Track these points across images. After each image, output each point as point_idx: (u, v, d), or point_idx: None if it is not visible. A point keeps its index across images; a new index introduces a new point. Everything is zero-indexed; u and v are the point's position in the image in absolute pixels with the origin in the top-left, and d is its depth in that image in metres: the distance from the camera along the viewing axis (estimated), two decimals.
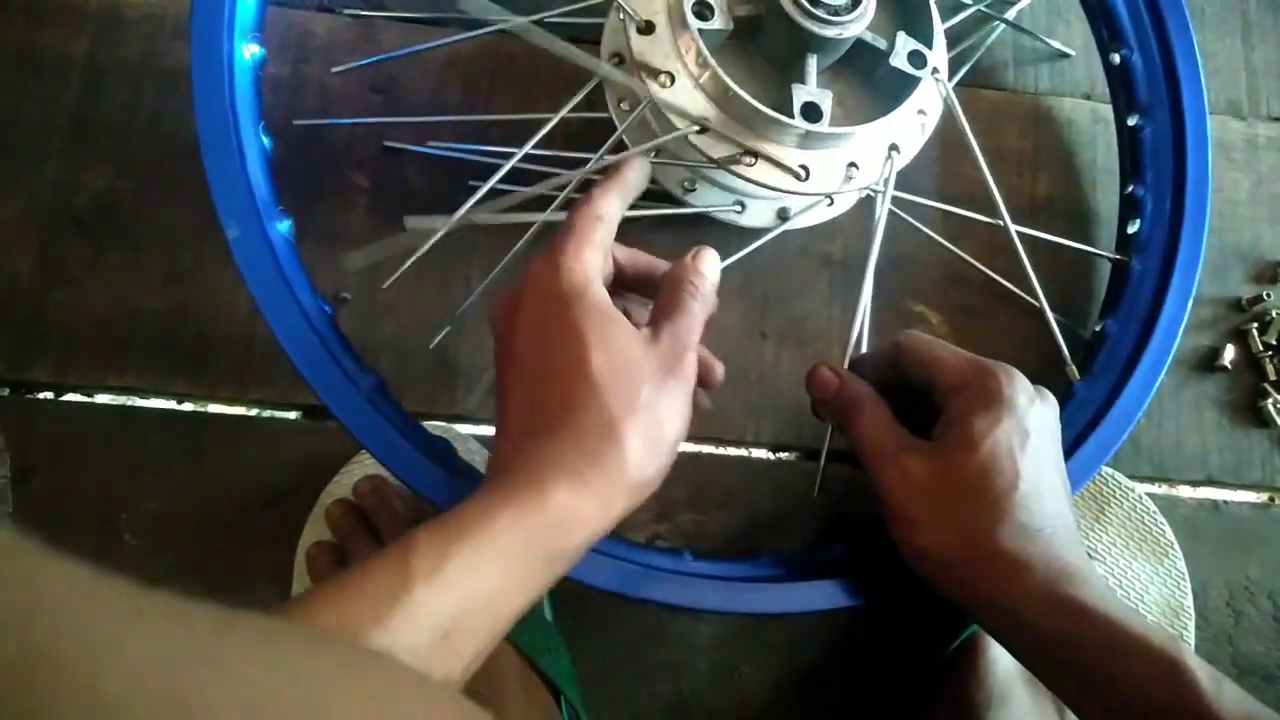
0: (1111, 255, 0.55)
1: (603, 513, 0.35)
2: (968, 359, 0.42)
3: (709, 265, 0.41)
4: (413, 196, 0.58)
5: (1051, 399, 0.42)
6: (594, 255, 0.38)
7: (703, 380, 0.42)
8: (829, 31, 0.44)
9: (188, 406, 0.56)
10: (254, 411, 0.56)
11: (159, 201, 0.57)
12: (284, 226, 0.46)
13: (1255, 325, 0.60)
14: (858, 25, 0.44)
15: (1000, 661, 0.50)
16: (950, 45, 0.59)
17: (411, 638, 0.29)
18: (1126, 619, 0.36)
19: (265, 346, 0.55)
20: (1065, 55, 0.64)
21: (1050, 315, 0.52)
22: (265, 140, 0.47)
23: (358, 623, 0.29)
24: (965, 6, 0.57)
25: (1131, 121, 0.56)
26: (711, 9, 0.45)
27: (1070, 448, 0.49)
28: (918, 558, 0.41)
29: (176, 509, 0.53)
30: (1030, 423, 0.40)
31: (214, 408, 0.56)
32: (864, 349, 0.49)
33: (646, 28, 0.45)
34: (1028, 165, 0.63)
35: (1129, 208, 0.56)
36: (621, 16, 0.46)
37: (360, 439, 0.44)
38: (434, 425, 0.54)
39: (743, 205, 0.55)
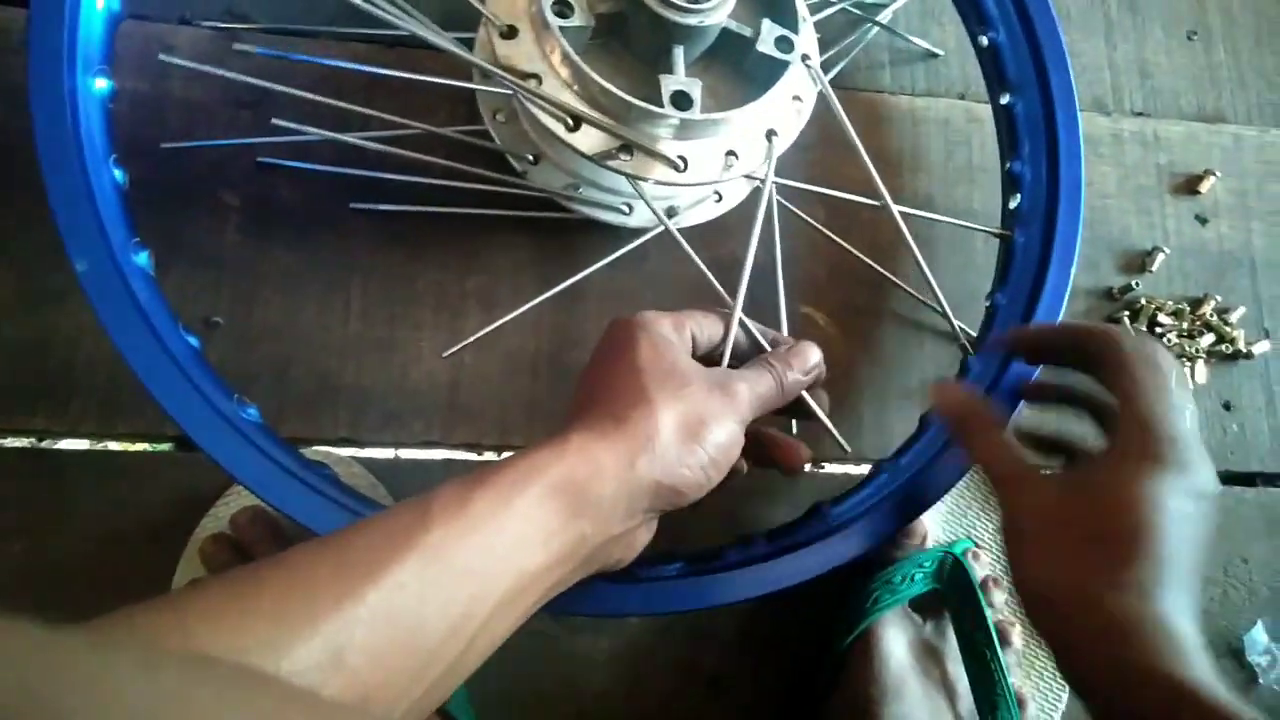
0: (994, 230, 0.56)
1: (620, 468, 0.34)
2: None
3: (801, 358, 0.43)
4: (287, 214, 0.56)
5: (1218, 488, 0.37)
6: (674, 321, 0.41)
7: (786, 458, 0.44)
8: (691, 20, 0.44)
9: (48, 444, 0.53)
10: (123, 446, 0.53)
11: (15, 224, 0.54)
12: (141, 258, 0.44)
13: (1127, 313, 0.63)
14: (719, 13, 0.45)
15: (893, 655, 0.50)
16: (826, 47, 0.60)
17: (428, 579, 0.29)
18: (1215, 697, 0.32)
19: (130, 379, 0.53)
20: (935, 55, 0.66)
21: (937, 291, 0.52)
22: (118, 173, 0.44)
23: (376, 557, 0.29)
24: (835, 4, 0.58)
25: (1004, 100, 0.57)
26: (571, 7, 0.45)
27: None
28: (1033, 598, 0.37)
29: (44, 551, 0.50)
30: (1196, 487, 0.36)
31: (80, 443, 0.53)
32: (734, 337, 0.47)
33: (509, 32, 0.45)
34: (907, 166, 0.64)
35: (1009, 184, 0.57)
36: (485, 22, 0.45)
37: (230, 470, 0.42)
38: (316, 450, 0.52)
39: (629, 206, 0.55)
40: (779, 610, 0.56)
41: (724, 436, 0.37)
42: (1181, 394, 0.38)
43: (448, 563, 0.30)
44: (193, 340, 0.44)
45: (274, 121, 0.49)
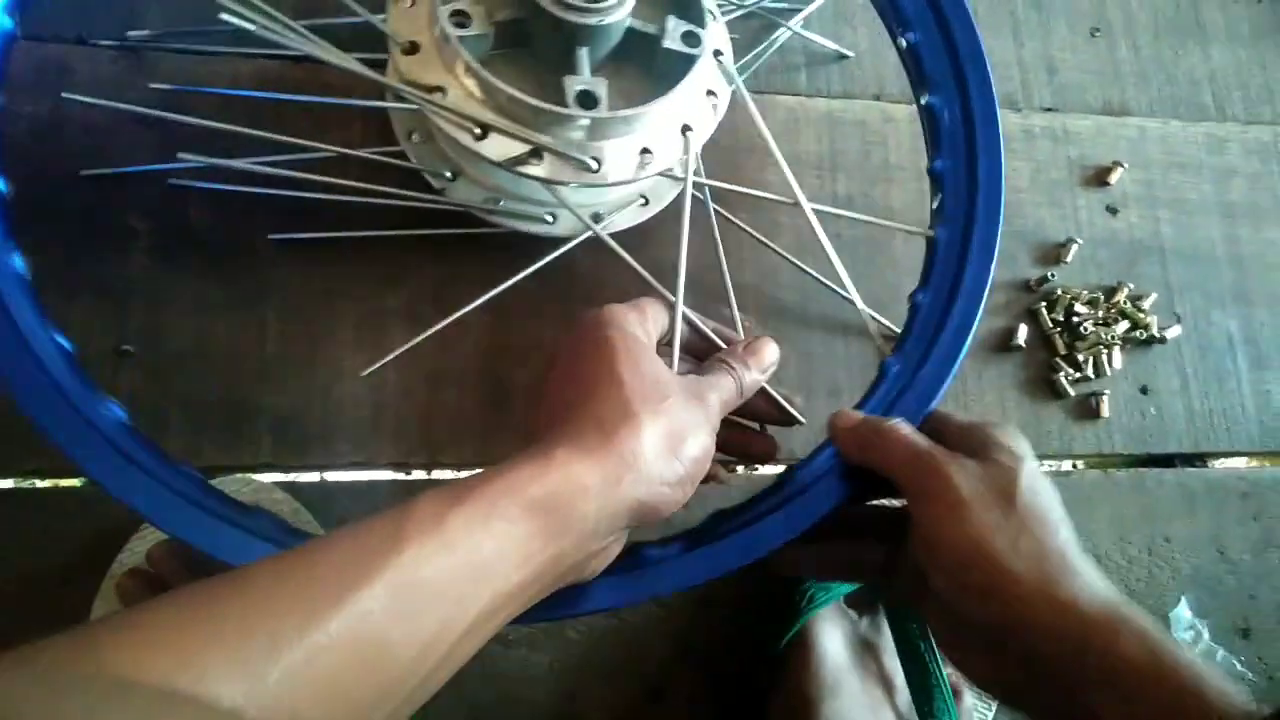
0: (916, 229, 0.57)
1: (605, 487, 0.34)
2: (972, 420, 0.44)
3: (757, 356, 0.43)
4: (197, 236, 0.55)
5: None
6: (639, 314, 0.41)
7: (763, 448, 0.47)
8: (591, 20, 0.44)
9: None
10: (35, 483, 0.51)
11: None
12: (16, 261, 0.41)
13: (1044, 304, 0.64)
14: (619, 12, 0.45)
15: (830, 652, 0.51)
16: (742, 51, 0.60)
17: (397, 603, 0.28)
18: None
19: None
20: (846, 57, 0.67)
21: (851, 290, 0.53)
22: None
23: (342, 579, 0.28)
24: (746, 5, 0.58)
25: (924, 100, 0.58)
26: (469, 16, 0.44)
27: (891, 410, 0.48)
28: (969, 561, 0.38)
29: None
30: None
31: None
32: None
33: (411, 48, 0.45)
34: (826, 167, 0.65)
35: (934, 182, 0.58)
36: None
37: (87, 471, 0.39)
38: (236, 478, 0.51)
39: (554, 215, 0.54)
40: (716, 618, 0.56)
41: (698, 450, 0.37)
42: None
43: (420, 585, 0.29)
44: (65, 343, 0.41)
45: (180, 155, 0.48)
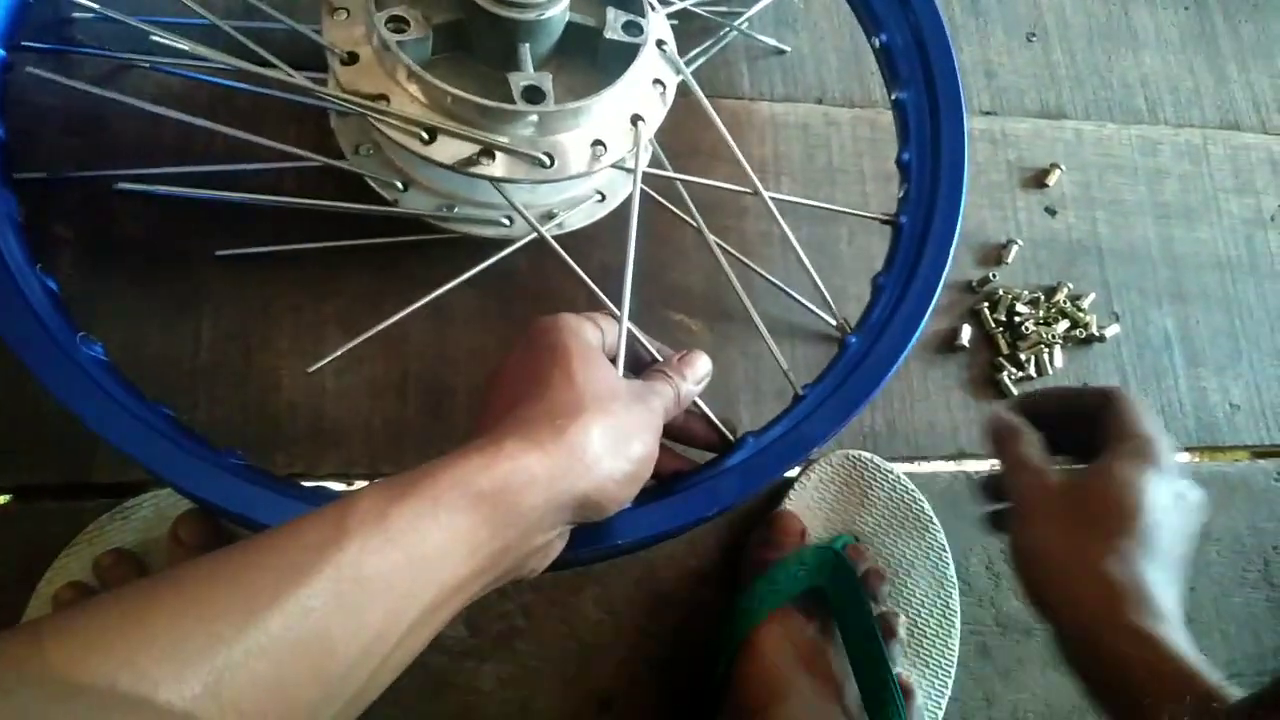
0: (879, 216, 0.57)
1: (553, 479, 0.33)
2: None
3: (692, 368, 0.44)
4: (129, 245, 0.53)
5: (1202, 498, 0.45)
6: (592, 325, 0.42)
7: (710, 438, 0.49)
8: (530, 15, 0.44)
9: None
10: None
11: None
12: (11, 203, 0.44)
13: (986, 304, 0.65)
14: (556, 6, 0.45)
15: (780, 655, 0.50)
16: (684, 50, 0.60)
17: (340, 599, 0.27)
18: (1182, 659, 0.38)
19: None
20: (783, 51, 0.68)
21: (813, 274, 0.53)
22: None
23: (281, 576, 0.27)
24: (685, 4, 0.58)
25: (895, 95, 0.58)
26: (407, 21, 0.44)
27: (839, 388, 0.50)
28: (1020, 558, 0.43)
29: None
30: (1176, 489, 0.43)
31: None
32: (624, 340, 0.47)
33: (350, 59, 0.44)
34: (770, 170, 0.65)
35: (901, 172, 0.58)
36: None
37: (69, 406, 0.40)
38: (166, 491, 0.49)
39: (510, 219, 0.54)
40: (666, 628, 0.55)
41: (643, 450, 0.37)
42: (1168, 436, 0.45)
43: (363, 581, 0.28)
44: (52, 284, 0.43)
45: (119, 187, 0.47)
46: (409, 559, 0.29)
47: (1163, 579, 0.41)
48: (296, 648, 0.26)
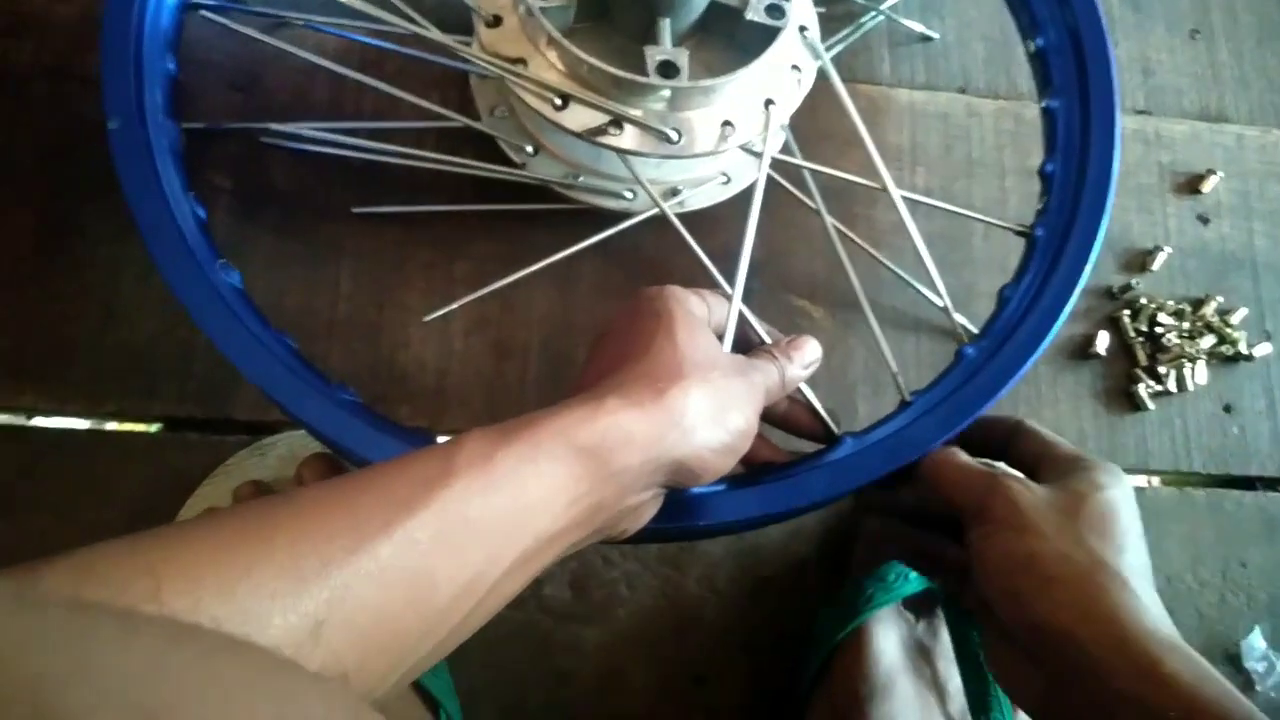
0: (1014, 226, 0.55)
1: (651, 440, 0.34)
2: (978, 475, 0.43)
3: (800, 352, 0.44)
4: (278, 198, 0.56)
5: None
6: (699, 299, 0.42)
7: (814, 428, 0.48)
8: None
9: (37, 421, 0.52)
10: (109, 425, 0.53)
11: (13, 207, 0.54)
12: (171, 130, 0.47)
13: (1127, 312, 0.62)
14: None
15: (885, 653, 0.50)
16: (827, 35, 0.59)
17: (444, 535, 0.28)
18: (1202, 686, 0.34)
19: (119, 357, 0.52)
20: (930, 38, 0.66)
21: (936, 279, 0.51)
22: (170, 64, 0.49)
23: (391, 507, 0.28)
24: None
25: (1045, 103, 0.56)
26: None
27: (947, 399, 0.48)
28: (1019, 566, 0.39)
29: (27, 530, 0.50)
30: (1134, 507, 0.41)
31: (65, 422, 0.52)
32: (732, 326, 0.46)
33: (494, 21, 0.45)
34: (906, 160, 0.63)
35: (1043, 183, 0.56)
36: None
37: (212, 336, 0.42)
38: (293, 434, 0.52)
39: (633, 192, 0.54)
40: (767, 609, 0.55)
41: (743, 423, 0.37)
42: None
43: (466, 521, 0.29)
44: (201, 212, 0.46)
45: (269, 130, 0.49)
46: (510, 504, 0.30)
47: (1145, 583, 0.38)
48: (403, 577, 0.27)
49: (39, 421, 0.52)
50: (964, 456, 0.44)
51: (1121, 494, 0.40)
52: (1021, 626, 0.38)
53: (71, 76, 0.56)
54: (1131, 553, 0.39)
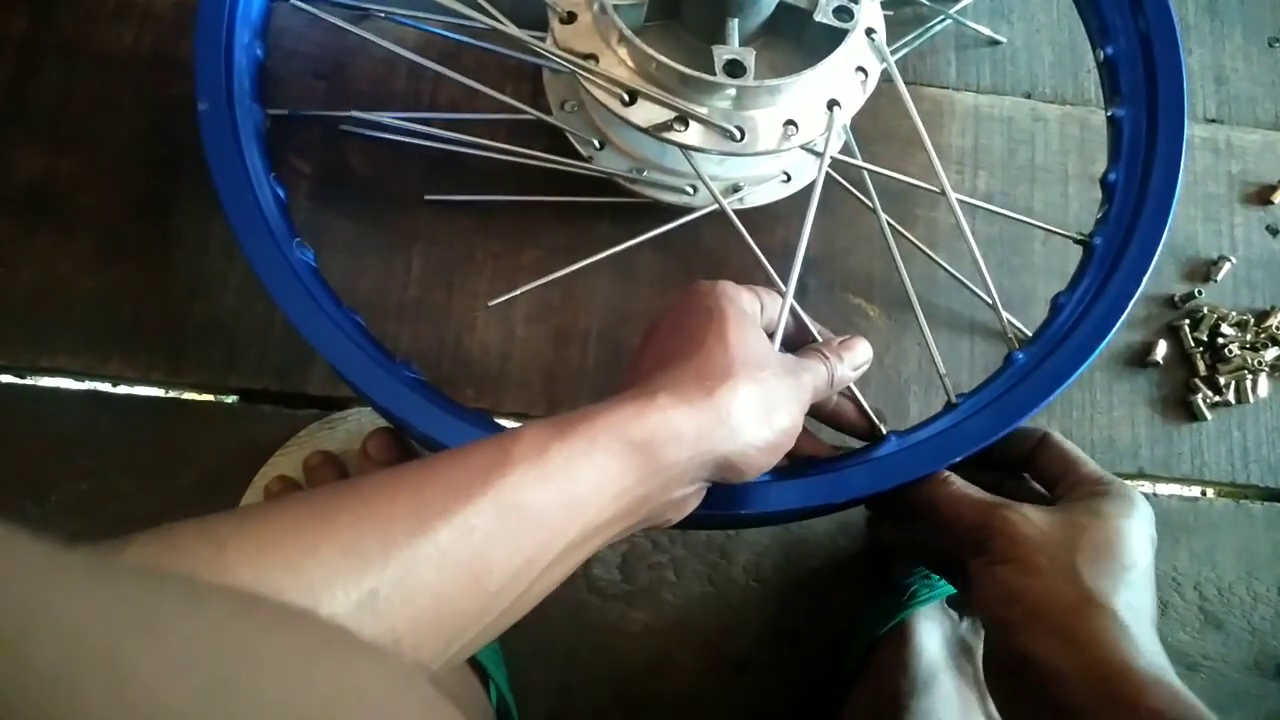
0: (1073, 235, 0.55)
1: (699, 437, 0.35)
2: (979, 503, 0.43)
3: (851, 352, 0.45)
4: (356, 183, 0.58)
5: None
6: (752, 295, 0.43)
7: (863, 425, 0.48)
8: None
9: (121, 389, 0.55)
10: (189, 395, 0.56)
11: (93, 184, 0.57)
12: (257, 113, 0.50)
13: (1187, 322, 0.61)
14: None
15: (927, 649, 0.50)
16: (893, 39, 0.60)
17: (500, 522, 0.30)
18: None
19: (201, 330, 0.55)
20: (998, 42, 0.66)
21: (989, 282, 0.51)
22: (259, 49, 0.52)
23: (451, 493, 0.29)
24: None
25: (1112, 112, 0.56)
26: None
27: (994, 402, 0.48)
28: (1011, 599, 0.39)
29: (107, 492, 0.53)
30: (1152, 534, 0.41)
31: (147, 390, 0.55)
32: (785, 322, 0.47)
33: (568, 17, 0.47)
34: (969, 163, 0.63)
35: (1104, 192, 0.56)
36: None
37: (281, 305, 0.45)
38: (360, 410, 0.54)
39: (694, 188, 0.56)
40: (811, 602, 0.56)
41: (788, 421, 0.38)
42: None
43: (521, 508, 0.30)
44: (280, 192, 0.49)
45: (348, 119, 0.52)
46: (562, 495, 0.31)
47: (1146, 614, 0.39)
48: (460, 561, 0.29)
49: (123, 389, 0.55)
50: (960, 485, 0.44)
51: (1130, 524, 0.40)
52: (1010, 658, 0.38)
53: (168, 60, 0.59)
54: (1129, 587, 0.38)
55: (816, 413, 0.47)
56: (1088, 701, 0.35)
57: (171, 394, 0.56)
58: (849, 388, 0.47)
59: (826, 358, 0.43)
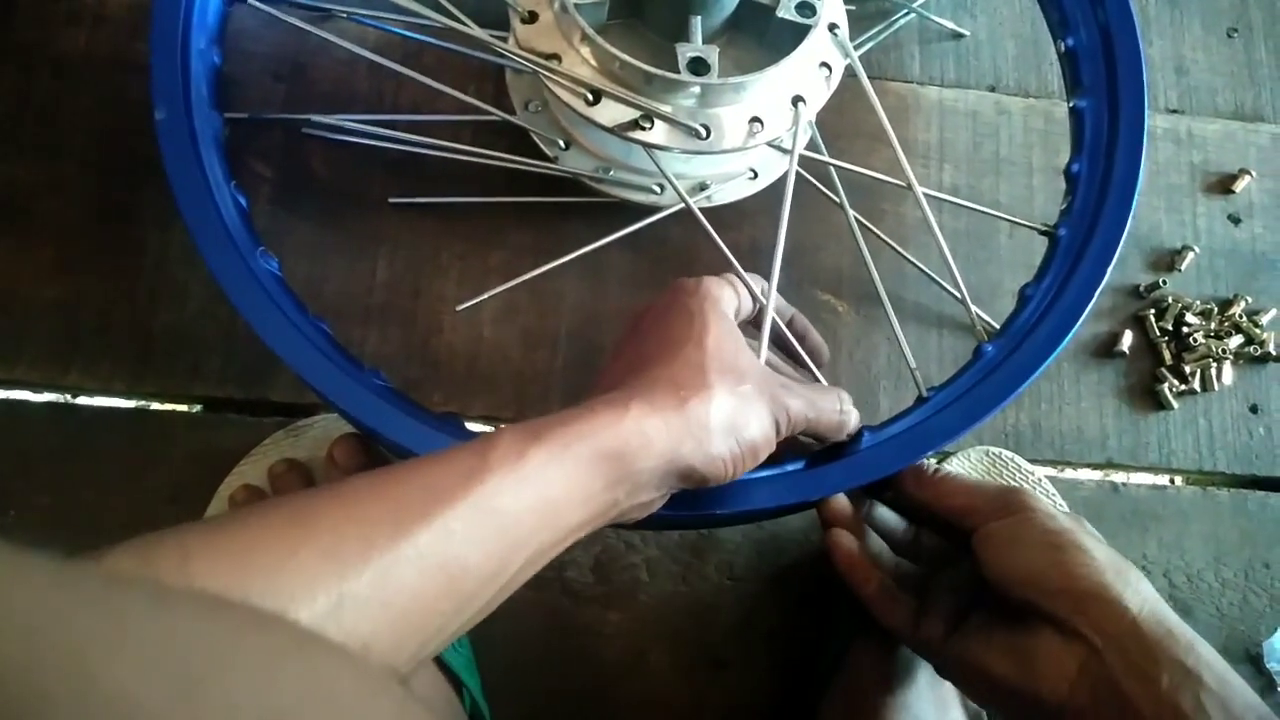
0: (1037, 226, 0.55)
1: (668, 448, 0.35)
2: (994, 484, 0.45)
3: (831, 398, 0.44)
4: (319, 187, 0.57)
5: None
6: (732, 291, 0.43)
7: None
8: None
9: (82, 400, 0.54)
10: (152, 405, 0.55)
11: (52, 191, 0.56)
12: (215, 121, 0.49)
13: (1153, 311, 0.62)
14: None
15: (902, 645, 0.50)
16: (857, 34, 0.60)
17: (477, 526, 0.30)
18: None
19: (163, 339, 0.54)
20: (961, 36, 0.66)
21: (956, 276, 0.51)
22: (216, 56, 0.51)
23: (430, 498, 0.30)
24: None
25: (1074, 103, 0.56)
26: None
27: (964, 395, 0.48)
28: (1059, 539, 0.40)
29: (69, 504, 0.52)
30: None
31: (109, 401, 0.54)
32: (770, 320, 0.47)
33: (530, 17, 0.46)
34: (934, 157, 0.64)
35: (1068, 183, 0.56)
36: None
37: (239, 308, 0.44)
38: (328, 416, 0.53)
39: (661, 187, 0.55)
40: (787, 599, 0.56)
41: (759, 435, 0.38)
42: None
43: (498, 513, 0.31)
44: (242, 200, 0.48)
45: (310, 121, 0.51)
46: (536, 499, 0.32)
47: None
48: (438, 564, 0.29)
49: (84, 400, 0.54)
50: (960, 474, 0.46)
51: (1085, 538, 0.41)
52: (1061, 595, 0.38)
53: (124, 63, 0.58)
54: (1090, 552, 0.40)
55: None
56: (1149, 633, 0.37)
57: (134, 404, 0.55)
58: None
59: (844, 411, 0.44)
